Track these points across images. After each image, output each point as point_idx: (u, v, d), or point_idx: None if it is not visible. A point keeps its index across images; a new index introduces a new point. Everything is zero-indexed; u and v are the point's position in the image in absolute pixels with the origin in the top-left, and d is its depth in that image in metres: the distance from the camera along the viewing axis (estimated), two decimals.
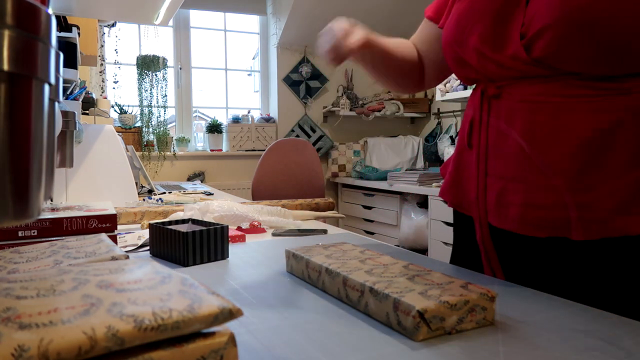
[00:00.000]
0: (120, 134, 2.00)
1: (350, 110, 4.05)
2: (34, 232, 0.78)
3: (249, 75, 4.26)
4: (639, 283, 0.62)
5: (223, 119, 3.98)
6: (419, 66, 0.92)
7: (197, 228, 0.81)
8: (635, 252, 0.61)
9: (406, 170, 3.72)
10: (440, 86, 3.34)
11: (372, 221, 3.63)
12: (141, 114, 3.61)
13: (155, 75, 3.60)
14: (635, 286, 0.62)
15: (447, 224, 2.84)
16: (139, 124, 3.60)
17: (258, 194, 2.61)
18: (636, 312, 0.57)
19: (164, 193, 1.88)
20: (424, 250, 3.06)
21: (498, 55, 0.69)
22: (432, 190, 2.92)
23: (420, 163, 4.04)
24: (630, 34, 0.58)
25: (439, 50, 0.87)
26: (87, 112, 2.17)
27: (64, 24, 1.56)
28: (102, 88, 3.47)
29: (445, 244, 2.87)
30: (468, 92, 2.99)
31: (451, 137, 3.66)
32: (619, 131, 0.61)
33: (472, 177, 0.75)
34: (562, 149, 0.63)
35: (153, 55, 3.57)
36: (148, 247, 0.87)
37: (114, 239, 0.84)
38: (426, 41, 0.91)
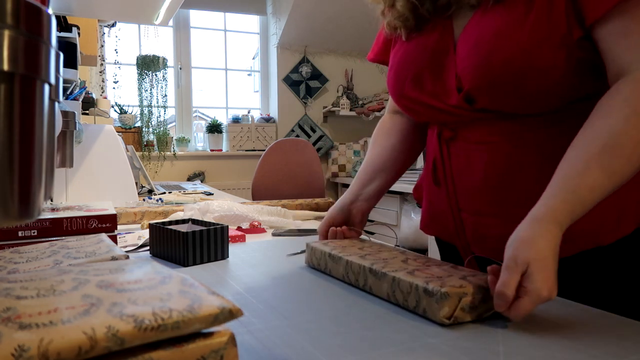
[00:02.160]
0: (120, 134, 2.00)
1: (350, 110, 4.04)
2: (34, 232, 0.78)
3: (249, 75, 4.26)
4: (630, 286, 0.63)
5: (223, 119, 3.98)
6: (412, 132, 0.88)
7: (197, 228, 0.81)
8: (609, 259, 0.64)
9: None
10: None
11: (372, 221, 3.63)
12: (141, 114, 3.61)
13: (155, 75, 3.60)
14: (628, 289, 0.63)
15: None
16: (139, 124, 3.60)
17: (258, 194, 2.60)
18: (636, 313, 0.57)
19: (164, 193, 1.88)
20: (423, 250, 3.05)
21: (443, 105, 0.69)
22: None
23: (420, 163, 4.03)
24: (551, 80, 0.59)
25: None
26: (87, 112, 2.17)
27: (64, 24, 1.56)
28: (102, 88, 3.47)
29: None
30: None
31: None
32: None
33: (448, 212, 0.75)
34: (521, 185, 0.64)
35: (153, 55, 3.57)
36: (148, 247, 0.87)
37: (114, 239, 0.84)
38: None
